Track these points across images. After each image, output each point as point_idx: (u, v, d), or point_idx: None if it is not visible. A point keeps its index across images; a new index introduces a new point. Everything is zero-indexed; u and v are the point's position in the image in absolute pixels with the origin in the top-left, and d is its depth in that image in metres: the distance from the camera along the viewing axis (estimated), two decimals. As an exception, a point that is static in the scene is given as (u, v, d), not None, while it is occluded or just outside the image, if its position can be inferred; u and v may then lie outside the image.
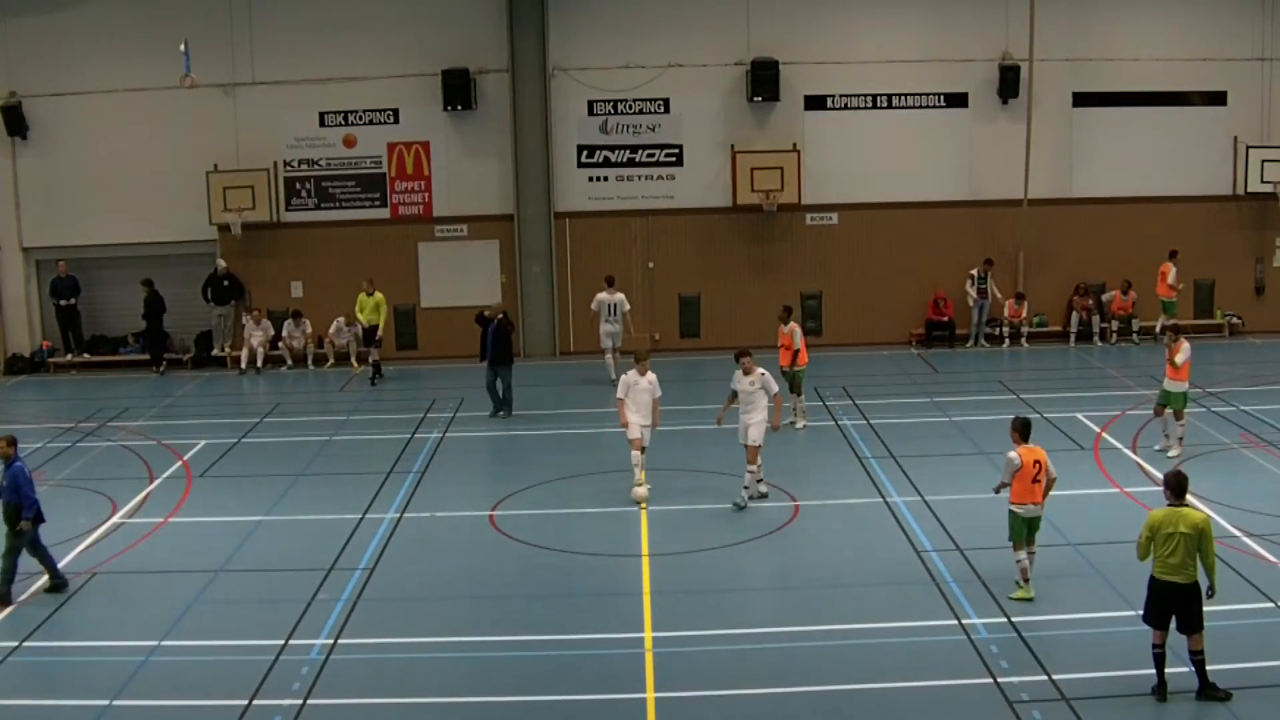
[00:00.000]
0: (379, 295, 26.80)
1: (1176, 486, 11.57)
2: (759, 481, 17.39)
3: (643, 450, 17.47)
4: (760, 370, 17.10)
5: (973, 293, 28.53)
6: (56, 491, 18.97)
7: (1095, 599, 13.70)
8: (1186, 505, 11.49)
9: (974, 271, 28.54)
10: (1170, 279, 27.84)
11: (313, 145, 28.73)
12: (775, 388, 17.25)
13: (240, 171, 28.25)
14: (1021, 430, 13.78)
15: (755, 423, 17.00)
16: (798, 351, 21.41)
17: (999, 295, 28.71)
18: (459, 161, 28.81)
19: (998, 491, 13.88)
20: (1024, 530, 13.60)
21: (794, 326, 21.56)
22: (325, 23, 28.14)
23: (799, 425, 21.42)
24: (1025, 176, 28.29)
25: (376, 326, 26.78)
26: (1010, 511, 13.63)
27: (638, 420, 17.32)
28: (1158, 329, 27.50)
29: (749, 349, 17.53)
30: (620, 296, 25.85)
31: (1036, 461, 13.53)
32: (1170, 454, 18.72)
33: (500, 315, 22.87)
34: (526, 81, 28.18)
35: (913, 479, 18.28)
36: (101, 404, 24.94)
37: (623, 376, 17.58)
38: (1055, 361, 27.70)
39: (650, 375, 17.43)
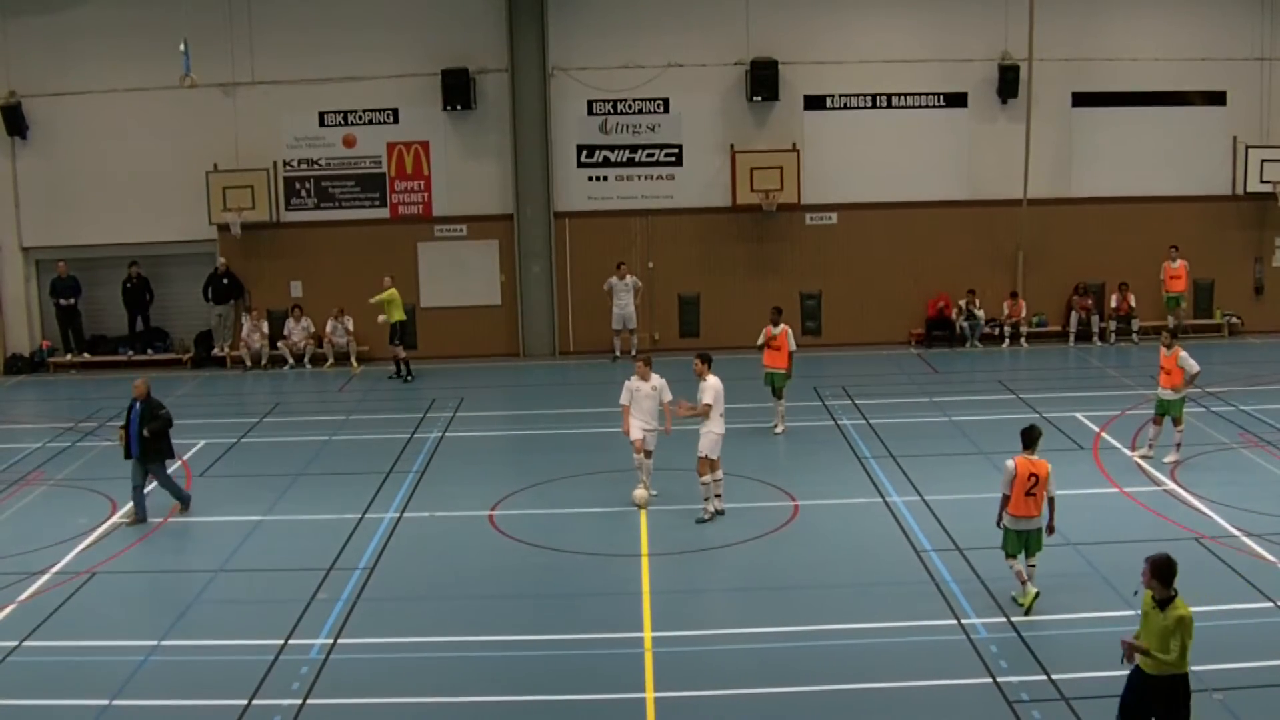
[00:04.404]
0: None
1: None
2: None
3: (647, 455, 17.43)
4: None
5: (965, 324, 28.63)
6: (56, 491, 19.04)
7: (1095, 599, 13.70)
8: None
9: (961, 303, 28.73)
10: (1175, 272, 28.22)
11: (312, 145, 28.74)
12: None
13: (240, 171, 28.26)
14: (1024, 439, 13.45)
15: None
16: (792, 353, 21.33)
17: (983, 315, 28.79)
18: (458, 161, 28.81)
19: (1000, 523, 13.48)
20: (1018, 544, 13.35)
21: (786, 328, 21.40)
22: (325, 23, 28.16)
23: (778, 430, 21.37)
24: (1025, 176, 28.30)
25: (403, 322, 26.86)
26: (1004, 528, 13.39)
27: (640, 425, 17.27)
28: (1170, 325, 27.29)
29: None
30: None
31: (1033, 474, 13.21)
32: (1167, 459, 18.68)
33: (146, 395, 17.45)
34: (526, 81, 28.19)
35: (912, 479, 18.29)
36: (101, 404, 24.91)
37: (626, 383, 17.49)
38: (1055, 361, 27.71)
39: (656, 380, 17.32)
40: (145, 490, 17.35)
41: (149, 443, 17.10)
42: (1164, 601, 9.75)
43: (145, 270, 28.99)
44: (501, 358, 28.98)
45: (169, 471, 17.75)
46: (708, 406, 16.53)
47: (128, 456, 17.30)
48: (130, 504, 17.31)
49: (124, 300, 28.95)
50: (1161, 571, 9.87)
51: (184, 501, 17.68)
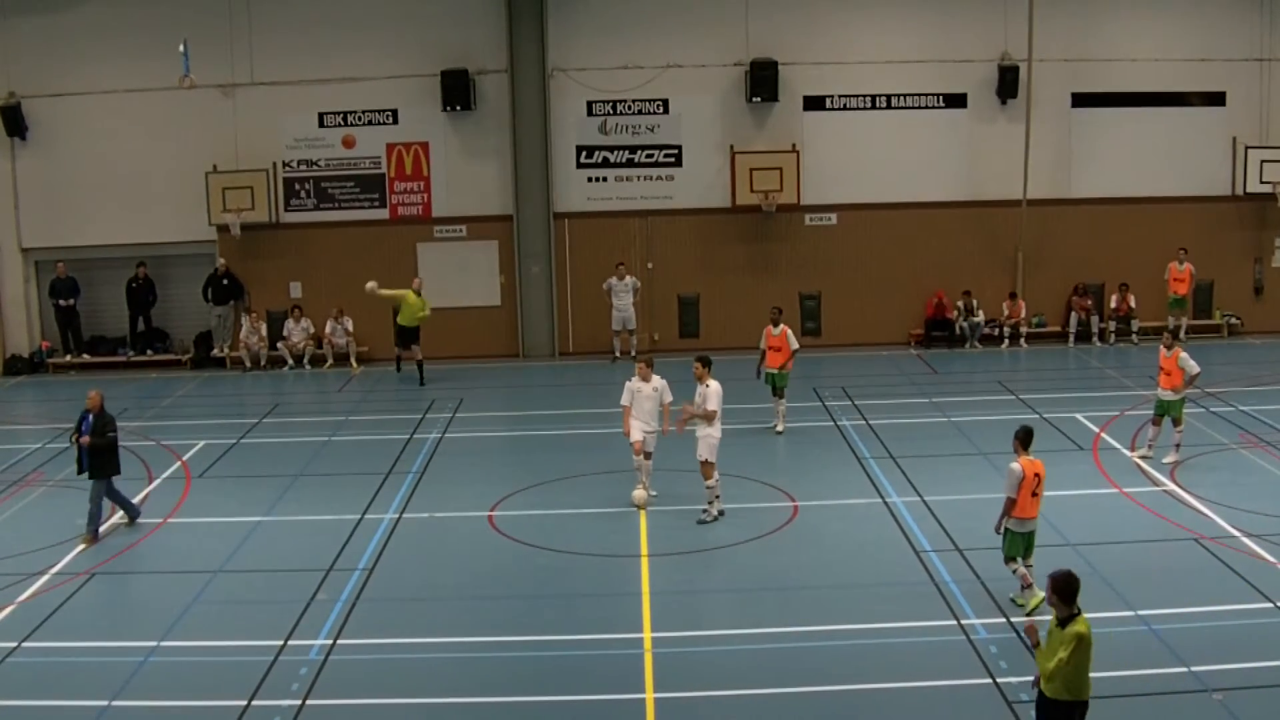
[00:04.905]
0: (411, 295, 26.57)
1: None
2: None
3: (647, 456, 17.43)
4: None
5: (965, 325, 28.65)
6: (56, 492, 19.00)
7: (1094, 599, 13.60)
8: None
9: (959, 304, 28.73)
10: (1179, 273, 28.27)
11: (312, 146, 28.73)
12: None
13: (239, 172, 28.24)
14: (1023, 440, 13.37)
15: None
16: (795, 352, 21.39)
17: (983, 318, 28.82)
18: (458, 162, 28.81)
19: (999, 530, 13.40)
20: (1021, 545, 13.35)
21: (785, 329, 21.45)
22: (325, 23, 28.15)
23: (779, 429, 21.39)
24: (1024, 177, 28.29)
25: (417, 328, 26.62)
26: (1006, 530, 13.34)
27: (640, 426, 17.27)
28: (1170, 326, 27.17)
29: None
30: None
31: (1036, 474, 13.22)
32: (1166, 460, 18.67)
33: (99, 409, 16.71)
34: (525, 82, 28.19)
35: (912, 479, 18.28)
36: (101, 404, 24.90)
37: (626, 384, 17.47)
38: (1054, 362, 27.71)
39: (656, 381, 17.31)
40: (117, 491, 16.91)
41: (94, 456, 16.45)
42: (1066, 620, 9.38)
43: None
44: (501, 358, 28.97)
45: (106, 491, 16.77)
46: (713, 412, 16.53)
47: (80, 471, 16.62)
48: (117, 510, 17.20)
49: (128, 300, 28.94)
50: (1061, 588, 9.41)
51: (94, 531, 16.51)
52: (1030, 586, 13.30)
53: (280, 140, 28.64)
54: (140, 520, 17.31)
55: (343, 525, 16.90)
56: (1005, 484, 13.31)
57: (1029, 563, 13.46)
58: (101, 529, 16.77)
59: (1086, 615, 9.49)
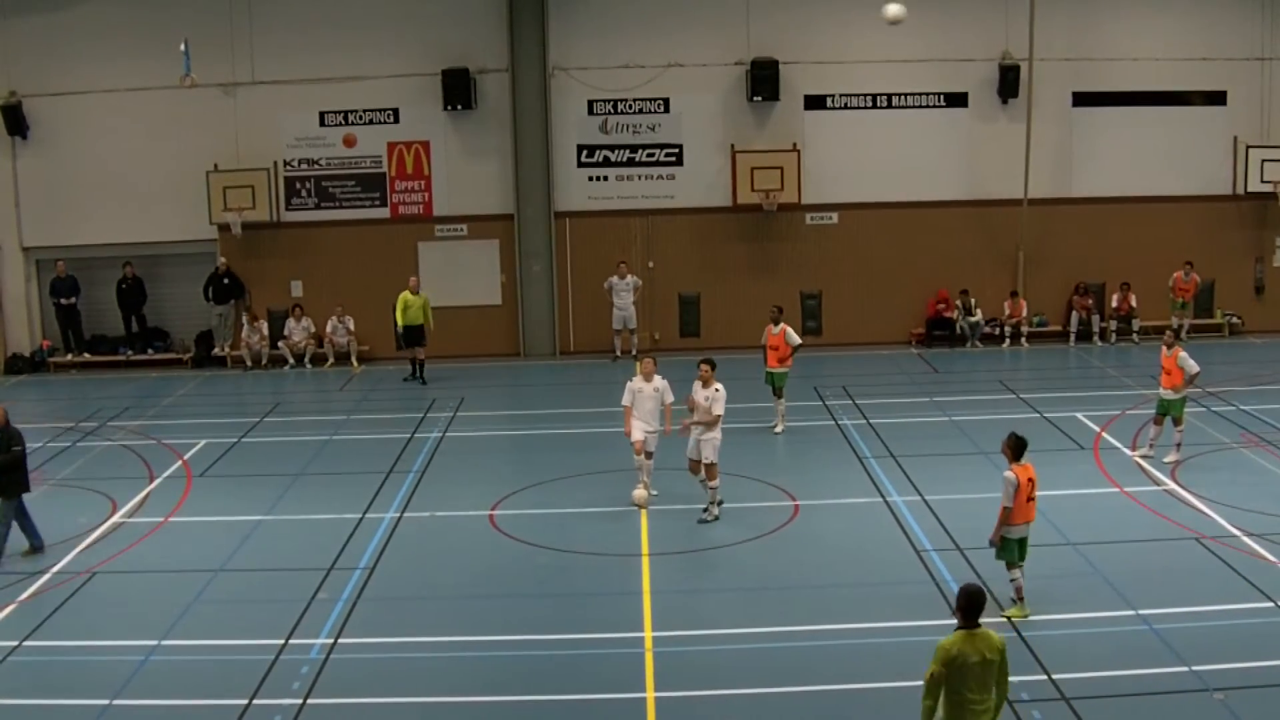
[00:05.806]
0: (425, 295, 26.43)
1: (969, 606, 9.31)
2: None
3: (648, 455, 17.41)
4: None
5: (965, 324, 28.63)
6: (56, 491, 19.03)
7: (1095, 599, 13.69)
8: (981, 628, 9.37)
9: (958, 303, 28.72)
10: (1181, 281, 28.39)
11: (313, 145, 28.73)
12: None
13: (240, 171, 28.25)
14: (1015, 448, 13.21)
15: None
16: (796, 348, 21.42)
17: (982, 317, 28.81)
18: (459, 161, 28.81)
19: (995, 543, 13.14)
20: (1016, 552, 13.23)
21: (785, 328, 21.46)
22: (325, 23, 28.15)
23: (778, 429, 21.39)
24: (1025, 176, 28.28)
25: (422, 327, 26.39)
26: (1002, 538, 13.18)
27: (641, 426, 17.26)
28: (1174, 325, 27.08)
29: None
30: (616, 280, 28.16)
31: (1030, 480, 13.14)
32: (1167, 459, 18.66)
33: (4, 424, 15.91)
34: (526, 81, 28.19)
35: (912, 479, 18.28)
36: (101, 404, 24.94)
37: (628, 384, 17.47)
38: (1055, 361, 27.71)
39: (658, 381, 17.28)
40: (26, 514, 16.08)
41: (7, 477, 15.63)
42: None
43: (146, 270, 28.98)
44: (502, 358, 28.98)
45: (26, 508, 16.20)
46: (718, 417, 16.53)
47: None
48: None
49: (119, 301, 28.93)
50: (962, 603, 9.24)
51: (37, 546, 15.95)
52: (1018, 602, 13.19)
53: (281, 139, 28.65)
54: (141, 520, 17.32)
55: (343, 524, 16.90)
56: (1002, 494, 13.12)
57: (1022, 564, 13.39)
58: (102, 528, 16.79)
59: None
